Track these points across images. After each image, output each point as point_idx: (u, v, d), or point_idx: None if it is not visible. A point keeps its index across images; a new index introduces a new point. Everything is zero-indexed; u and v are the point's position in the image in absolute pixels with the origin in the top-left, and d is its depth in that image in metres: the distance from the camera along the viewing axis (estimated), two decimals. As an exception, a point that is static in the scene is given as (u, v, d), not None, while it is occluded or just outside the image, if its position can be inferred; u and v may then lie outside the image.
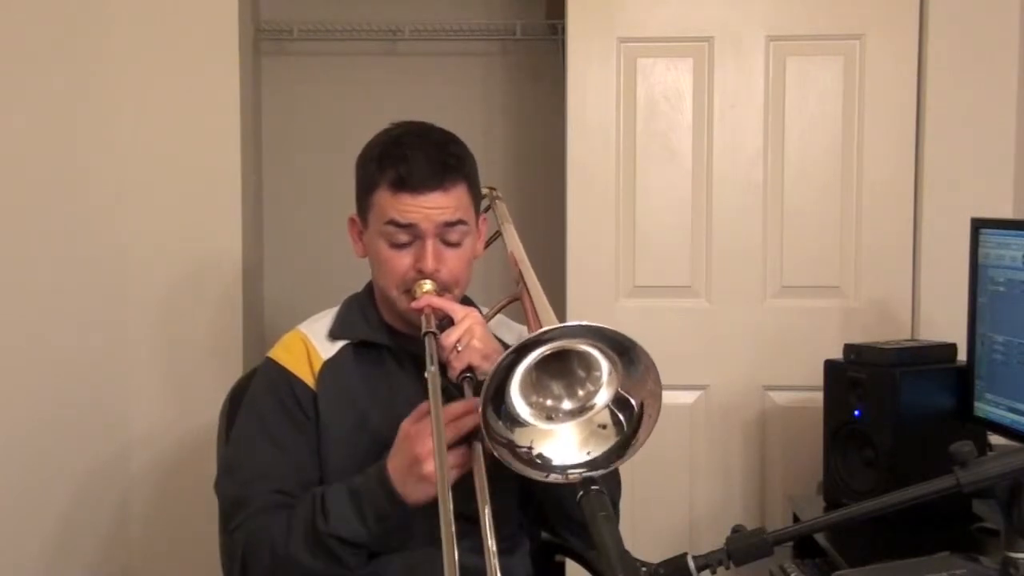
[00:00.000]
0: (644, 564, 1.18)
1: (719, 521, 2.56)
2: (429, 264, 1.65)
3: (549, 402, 1.41)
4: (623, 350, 1.35)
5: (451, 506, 1.30)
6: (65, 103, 2.54)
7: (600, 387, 1.40)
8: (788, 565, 1.93)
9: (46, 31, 2.52)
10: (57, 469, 2.55)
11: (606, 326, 1.33)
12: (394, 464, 1.55)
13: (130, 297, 2.59)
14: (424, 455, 1.49)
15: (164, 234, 2.59)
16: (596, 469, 1.35)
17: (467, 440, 1.49)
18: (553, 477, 1.38)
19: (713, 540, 1.21)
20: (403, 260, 1.67)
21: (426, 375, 1.48)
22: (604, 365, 1.39)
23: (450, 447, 1.46)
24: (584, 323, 1.36)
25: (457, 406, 1.50)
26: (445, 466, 1.36)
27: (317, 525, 1.57)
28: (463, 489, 1.43)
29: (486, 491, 1.42)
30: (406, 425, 1.55)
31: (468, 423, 1.49)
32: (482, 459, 1.43)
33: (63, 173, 2.55)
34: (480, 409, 1.34)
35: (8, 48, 2.51)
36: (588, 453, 1.38)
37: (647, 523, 2.54)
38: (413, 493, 1.52)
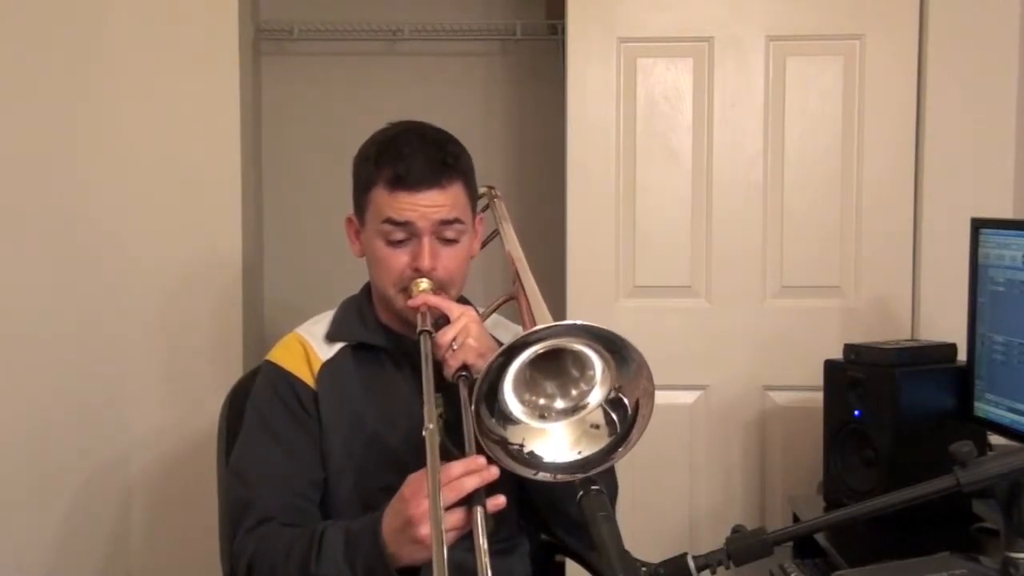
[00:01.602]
0: (644, 564, 1.18)
1: (719, 521, 2.56)
2: (426, 262, 1.65)
3: (542, 401, 1.41)
4: (615, 349, 1.35)
5: (446, 564, 1.23)
6: (65, 103, 2.54)
7: (593, 386, 1.41)
8: (788, 565, 1.93)
9: (45, 31, 2.52)
10: (58, 470, 2.55)
11: (596, 324, 1.33)
12: (388, 522, 1.50)
13: (130, 297, 2.59)
14: (418, 518, 1.43)
15: (164, 234, 2.59)
16: (587, 469, 1.35)
17: (468, 502, 1.40)
18: (541, 475, 1.38)
19: (713, 540, 1.22)
20: (400, 258, 1.67)
21: (424, 433, 1.37)
22: (598, 364, 1.39)
23: (448, 508, 1.38)
24: (575, 322, 1.36)
25: (457, 466, 1.41)
26: (441, 530, 1.27)
27: (309, 564, 1.55)
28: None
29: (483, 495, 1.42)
30: (406, 485, 1.49)
31: (467, 485, 1.40)
32: (481, 519, 1.37)
33: (63, 173, 2.55)
34: (475, 410, 1.34)
35: (7, 48, 2.51)
36: (579, 452, 1.38)
37: (647, 523, 2.54)
38: (406, 555, 1.48)
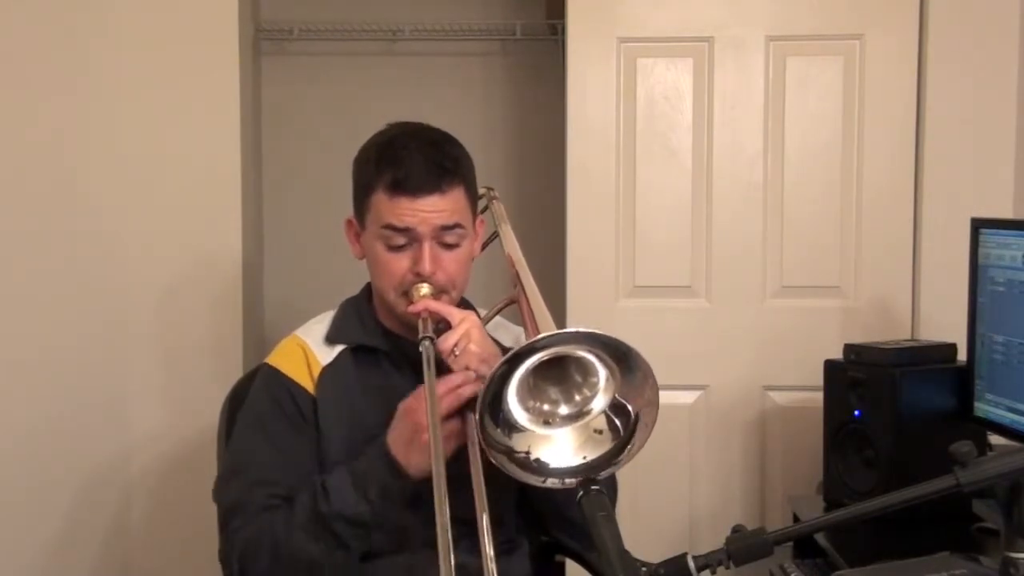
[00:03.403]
0: (644, 564, 1.18)
1: (719, 521, 2.56)
2: (426, 267, 1.64)
3: (546, 407, 1.41)
4: (620, 356, 1.35)
5: (444, 470, 1.35)
6: (65, 103, 2.54)
7: (597, 392, 1.40)
8: (788, 565, 1.93)
9: (46, 31, 2.52)
10: (58, 469, 2.55)
11: (603, 332, 1.33)
12: (394, 436, 1.57)
13: (130, 297, 2.59)
14: (427, 424, 1.48)
15: (164, 234, 2.59)
16: (592, 474, 1.35)
17: (467, 408, 1.52)
18: (550, 482, 1.38)
19: (713, 540, 1.21)
20: (400, 263, 1.66)
21: (420, 349, 1.52)
22: (601, 371, 1.39)
23: (449, 416, 1.52)
24: (580, 329, 1.36)
25: (455, 377, 1.54)
26: (439, 438, 1.40)
27: (320, 508, 1.57)
28: (462, 492, 1.42)
29: (483, 494, 1.42)
30: (406, 401, 1.59)
31: (467, 392, 1.52)
32: (476, 434, 1.41)
33: (63, 173, 2.55)
34: (479, 421, 1.35)
35: (8, 49, 2.51)
36: (584, 457, 1.38)
37: (647, 523, 2.54)
38: (416, 462, 1.54)
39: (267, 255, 3.04)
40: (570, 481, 1.36)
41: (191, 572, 2.53)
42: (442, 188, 1.65)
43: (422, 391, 1.53)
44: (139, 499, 2.62)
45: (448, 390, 1.53)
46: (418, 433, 1.53)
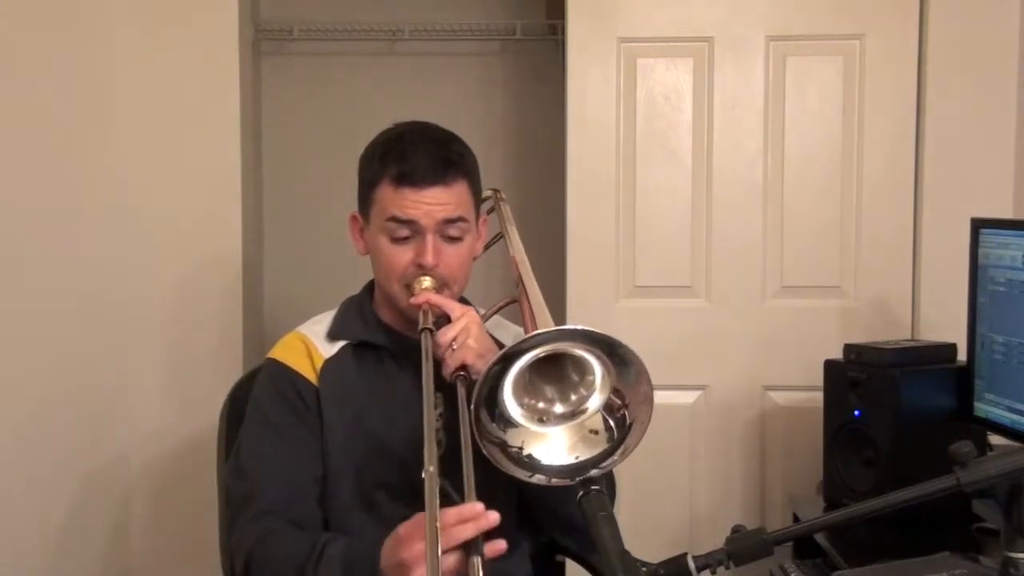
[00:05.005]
0: (644, 564, 1.18)
1: (719, 521, 2.56)
2: (429, 258, 1.66)
3: (541, 405, 1.42)
4: (614, 353, 1.35)
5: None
6: (65, 103, 2.54)
7: (593, 392, 1.41)
8: (788, 565, 1.93)
9: (46, 30, 2.52)
10: (58, 468, 2.55)
11: (594, 329, 1.34)
12: (385, 557, 1.47)
13: (131, 297, 2.59)
14: (411, 560, 1.40)
15: (164, 234, 2.59)
16: (582, 473, 1.35)
17: (465, 548, 1.35)
18: (537, 478, 1.38)
19: (713, 540, 1.21)
20: (404, 255, 1.68)
21: (423, 475, 1.32)
22: (598, 370, 1.39)
23: (445, 552, 1.33)
24: (573, 327, 1.36)
25: (453, 512, 1.36)
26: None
27: (307, 573, 1.54)
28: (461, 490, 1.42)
29: (473, 488, 1.41)
30: (404, 527, 1.46)
31: (463, 532, 1.34)
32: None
33: (63, 173, 2.55)
34: (475, 413, 1.35)
35: (8, 47, 2.51)
36: (576, 457, 1.38)
37: (647, 523, 2.54)
38: None
39: (267, 255, 3.04)
40: (556, 480, 1.37)
41: (191, 572, 2.53)
42: (446, 181, 1.66)
43: (421, 519, 1.37)
44: (139, 498, 2.62)
45: (444, 528, 1.33)
46: (403, 568, 1.41)
